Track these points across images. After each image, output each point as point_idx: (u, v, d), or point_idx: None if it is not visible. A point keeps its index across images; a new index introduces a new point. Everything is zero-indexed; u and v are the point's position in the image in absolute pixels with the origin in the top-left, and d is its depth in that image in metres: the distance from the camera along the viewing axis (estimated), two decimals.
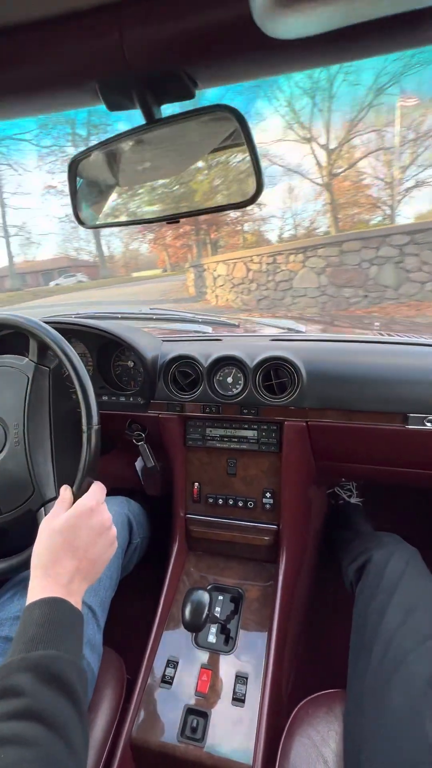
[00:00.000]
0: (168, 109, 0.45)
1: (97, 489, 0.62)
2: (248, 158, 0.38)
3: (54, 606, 0.47)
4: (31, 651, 0.42)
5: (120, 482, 1.18)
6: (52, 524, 0.55)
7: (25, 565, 0.66)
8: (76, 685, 0.42)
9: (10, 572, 0.67)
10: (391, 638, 0.64)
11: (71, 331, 1.01)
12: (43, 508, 0.67)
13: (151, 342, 1.01)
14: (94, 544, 0.55)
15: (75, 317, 1.13)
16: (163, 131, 0.43)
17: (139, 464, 1.07)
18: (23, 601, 0.67)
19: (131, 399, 1.00)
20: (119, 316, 1.20)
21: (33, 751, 0.35)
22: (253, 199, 0.40)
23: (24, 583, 0.72)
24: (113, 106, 0.44)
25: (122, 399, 1.01)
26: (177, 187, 0.46)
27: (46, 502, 0.66)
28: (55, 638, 0.44)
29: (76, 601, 0.50)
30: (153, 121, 0.42)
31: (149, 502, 1.16)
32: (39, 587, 0.49)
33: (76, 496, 0.62)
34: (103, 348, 1.05)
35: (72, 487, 0.63)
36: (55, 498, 0.64)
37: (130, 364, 1.05)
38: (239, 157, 0.41)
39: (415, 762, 0.50)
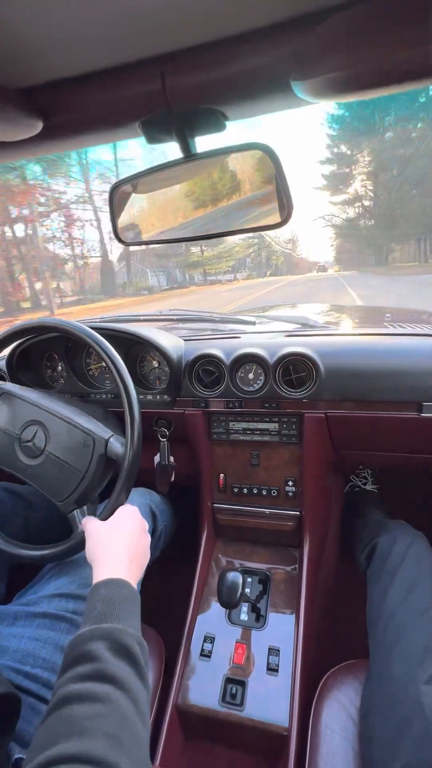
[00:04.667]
0: (200, 140, 0.50)
1: (133, 508, 0.71)
2: (277, 186, 0.43)
3: (116, 586, 0.53)
4: (101, 624, 0.48)
5: (141, 474, 1.26)
6: (100, 524, 0.64)
7: (70, 552, 0.74)
8: (139, 655, 0.47)
9: (57, 558, 0.75)
10: (392, 615, 0.72)
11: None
12: (76, 512, 0.75)
13: (175, 342, 1.07)
14: (141, 539, 0.64)
15: (100, 321, 1.19)
16: (198, 161, 0.48)
17: (156, 459, 1.13)
18: (59, 582, 0.76)
19: (158, 397, 1.06)
20: (141, 318, 1.26)
21: (106, 707, 0.41)
22: (284, 222, 0.45)
23: (59, 566, 0.80)
24: (152, 140, 0.49)
25: (149, 397, 1.07)
26: (210, 209, 0.51)
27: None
28: (118, 614, 0.50)
29: (134, 584, 0.56)
30: (190, 154, 0.47)
31: (170, 492, 1.23)
32: (103, 568, 0.56)
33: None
34: (129, 350, 1.11)
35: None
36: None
37: (155, 364, 1.11)
38: (268, 185, 0.46)
39: (409, 719, 0.57)
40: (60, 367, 1.15)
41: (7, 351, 1.07)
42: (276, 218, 0.45)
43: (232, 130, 0.51)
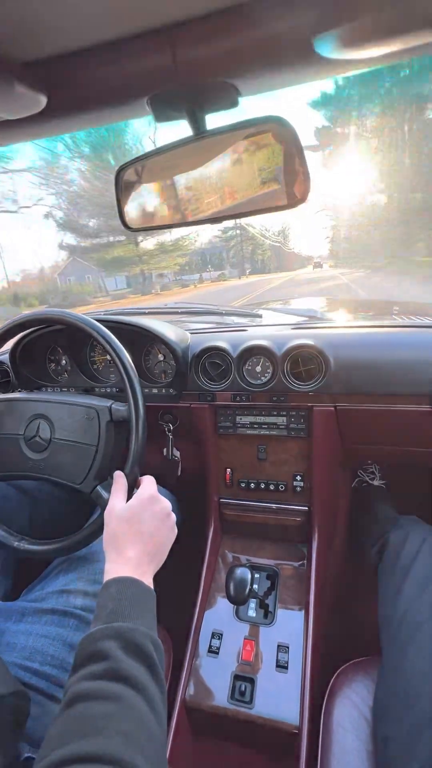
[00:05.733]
0: (211, 118, 0.48)
1: (152, 480, 0.67)
2: (295, 161, 0.41)
3: (127, 584, 0.51)
4: (111, 623, 0.46)
5: (147, 470, 1.24)
6: (117, 513, 0.59)
7: (74, 547, 0.72)
8: (152, 654, 0.45)
9: (64, 552, 0.73)
10: (406, 612, 0.70)
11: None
12: (98, 487, 0.72)
13: (180, 335, 1.05)
14: (159, 529, 0.60)
15: (104, 314, 1.17)
16: (208, 140, 0.46)
17: (164, 453, 1.11)
18: (67, 578, 0.74)
19: (163, 391, 1.05)
20: (146, 311, 1.24)
21: (118, 706, 0.39)
22: (301, 200, 0.43)
23: (67, 562, 0.78)
24: (161, 118, 0.47)
25: (155, 391, 1.06)
26: (220, 190, 0.49)
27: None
28: (130, 612, 0.48)
29: (148, 581, 0.54)
30: (199, 132, 0.45)
31: (177, 486, 1.21)
32: (113, 568, 0.54)
33: (128, 481, 0.67)
34: (134, 343, 1.09)
35: (124, 473, 0.68)
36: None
37: (161, 357, 1.09)
38: (280, 162, 0.44)
39: (427, 719, 0.55)
40: (64, 361, 1.14)
41: (9, 344, 1.05)
42: (292, 197, 0.43)
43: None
